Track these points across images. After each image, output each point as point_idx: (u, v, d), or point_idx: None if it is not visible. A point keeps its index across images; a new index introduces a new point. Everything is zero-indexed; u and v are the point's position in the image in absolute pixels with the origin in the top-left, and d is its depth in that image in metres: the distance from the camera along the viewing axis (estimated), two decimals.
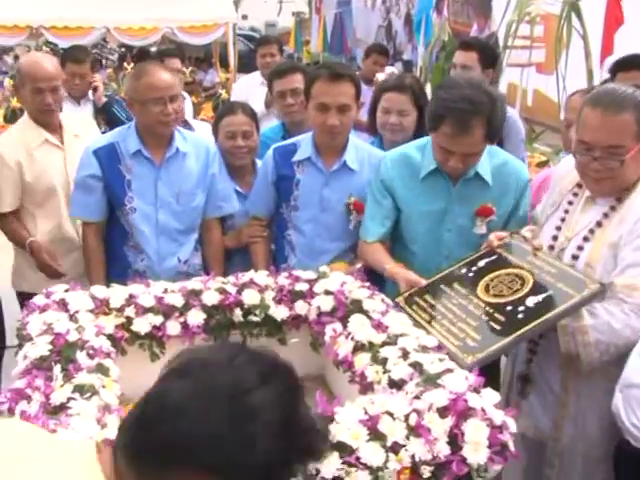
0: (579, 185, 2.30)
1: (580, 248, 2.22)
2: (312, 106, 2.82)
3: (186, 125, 3.90)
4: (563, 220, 2.31)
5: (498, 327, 2.06)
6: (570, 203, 2.32)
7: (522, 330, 2.01)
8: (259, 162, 3.19)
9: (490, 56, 4.16)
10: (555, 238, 2.31)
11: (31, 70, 3.23)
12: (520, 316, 2.05)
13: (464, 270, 2.36)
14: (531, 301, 2.08)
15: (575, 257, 2.21)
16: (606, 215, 2.19)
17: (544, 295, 2.08)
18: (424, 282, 2.35)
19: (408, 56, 12.88)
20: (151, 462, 1.10)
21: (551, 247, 2.30)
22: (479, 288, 2.23)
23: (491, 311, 2.12)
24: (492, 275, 2.26)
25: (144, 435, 1.11)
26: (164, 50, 6.58)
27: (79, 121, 3.66)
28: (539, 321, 2.00)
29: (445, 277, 2.37)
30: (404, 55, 13.10)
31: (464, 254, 2.46)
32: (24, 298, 2.41)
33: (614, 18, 5.89)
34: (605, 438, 2.20)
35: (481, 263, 2.35)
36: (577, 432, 2.27)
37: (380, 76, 5.04)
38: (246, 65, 10.18)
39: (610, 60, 5.70)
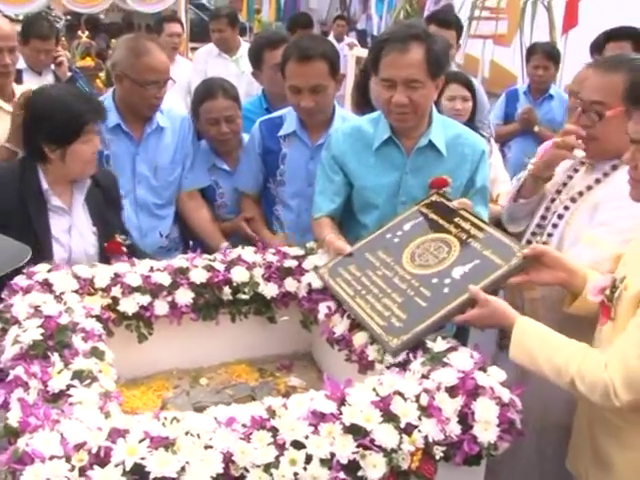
0: None
1: (566, 208, 2.25)
2: (286, 86, 2.73)
3: None
4: (565, 185, 2.34)
5: (424, 304, 1.92)
6: (576, 170, 2.35)
7: (447, 308, 1.88)
8: (245, 136, 3.08)
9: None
10: (553, 200, 2.34)
11: None
12: (446, 290, 1.93)
13: (389, 235, 2.21)
14: (457, 272, 1.96)
15: (560, 216, 2.25)
16: (598, 181, 2.22)
17: (470, 265, 1.96)
18: (348, 249, 2.23)
19: (362, 26, 12.77)
20: None
21: (547, 208, 2.34)
22: (404, 257, 2.10)
23: (417, 285, 1.98)
24: (418, 241, 2.13)
25: None
26: (165, 16, 6.37)
27: None
28: (465, 297, 1.87)
29: (369, 243, 2.23)
30: (358, 25, 12.97)
31: None
32: None
33: None
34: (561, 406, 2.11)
35: (406, 227, 2.21)
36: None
37: None
38: (197, 34, 9.95)
39: (574, 32, 5.75)
